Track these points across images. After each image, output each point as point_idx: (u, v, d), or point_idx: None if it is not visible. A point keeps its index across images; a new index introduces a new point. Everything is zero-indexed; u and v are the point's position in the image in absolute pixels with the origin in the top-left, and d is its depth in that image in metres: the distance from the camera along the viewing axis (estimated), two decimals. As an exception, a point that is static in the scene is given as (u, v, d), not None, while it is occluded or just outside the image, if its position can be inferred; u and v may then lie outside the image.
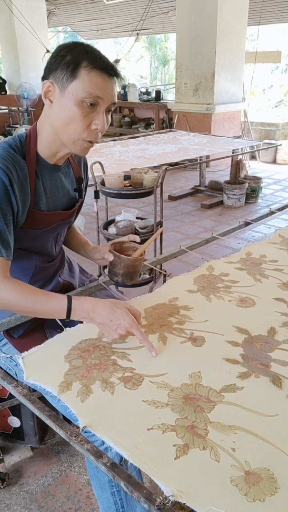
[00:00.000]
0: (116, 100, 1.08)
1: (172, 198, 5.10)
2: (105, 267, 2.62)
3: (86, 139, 1.06)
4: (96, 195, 2.55)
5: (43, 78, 1.05)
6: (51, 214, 1.18)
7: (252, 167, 6.62)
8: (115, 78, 1.04)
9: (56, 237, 1.27)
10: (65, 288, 1.33)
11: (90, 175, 2.55)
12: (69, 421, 0.87)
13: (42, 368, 0.95)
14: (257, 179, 4.92)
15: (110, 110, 1.08)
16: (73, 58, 1.00)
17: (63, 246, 1.40)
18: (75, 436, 0.78)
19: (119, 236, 2.42)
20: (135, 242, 1.28)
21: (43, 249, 1.23)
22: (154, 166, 3.15)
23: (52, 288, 1.28)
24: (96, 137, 1.07)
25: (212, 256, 3.26)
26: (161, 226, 2.61)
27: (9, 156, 1.05)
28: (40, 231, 1.17)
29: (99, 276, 2.58)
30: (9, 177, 1.03)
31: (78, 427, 0.79)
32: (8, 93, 8.85)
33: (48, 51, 7.99)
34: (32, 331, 1.20)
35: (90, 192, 2.58)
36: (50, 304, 1.02)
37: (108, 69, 1.01)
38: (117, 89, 1.08)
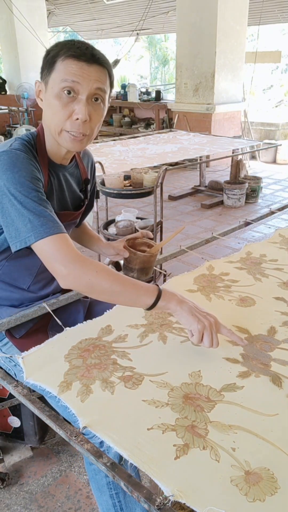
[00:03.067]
0: (104, 86, 1.01)
1: (172, 198, 5.10)
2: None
3: (69, 131, 1.02)
4: (96, 195, 2.55)
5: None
6: (61, 214, 1.18)
7: (252, 167, 6.62)
8: (99, 66, 0.99)
9: None
10: (67, 289, 1.33)
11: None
12: (68, 423, 0.87)
13: (42, 368, 0.95)
14: (257, 179, 4.92)
15: (100, 99, 1.02)
16: (53, 55, 1.00)
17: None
18: (75, 436, 0.78)
19: (119, 236, 2.42)
20: (148, 237, 1.32)
21: None
22: (154, 166, 3.15)
23: (54, 288, 1.28)
24: (78, 128, 1.02)
25: (212, 256, 3.26)
26: (160, 226, 2.61)
27: (27, 149, 1.05)
28: None
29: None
30: (35, 165, 1.03)
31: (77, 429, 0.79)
32: (8, 93, 8.85)
33: (48, 51, 7.99)
34: (35, 332, 1.20)
35: (90, 192, 2.58)
36: (142, 291, 0.97)
37: (86, 56, 0.97)
38: (104, 76, 1.01)
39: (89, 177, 1.30)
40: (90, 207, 1.39)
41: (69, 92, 0.98)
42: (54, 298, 1.23)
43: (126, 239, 1.30)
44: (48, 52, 1.02)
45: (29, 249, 1.17)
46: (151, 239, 1.34)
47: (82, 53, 0.98)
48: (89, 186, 1.31)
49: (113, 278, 0.96)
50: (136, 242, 1.32)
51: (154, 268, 1.54)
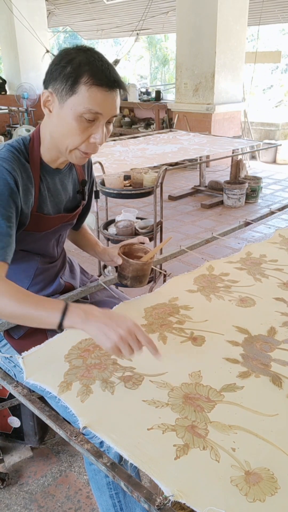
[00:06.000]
0: (118, 112, 1.05)
1: (172, 198, 5.10)
2: (105, 266, 2.62)
3: (83, 151, 1.05)
4: (96, 195, 2.55)
5: (44, 83, 1.04)
6: (54, 217, 1.18)
7: (252, 167, 6.62)
8: (118, 89, 1.01)
9: (58, 239, 1.27)
10: (66, 290, 1.32)
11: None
12: (68, 423, 0.87)
13: (42, 368, 0.95)
14: (257, 179, 4.92)
15: (111, 122, 1.06)
16: (73, 71, 0.96)
17: (64, 247, 1.40)
18: (75, 436, 0.78)
19: (119, 236, 2.42)
20: (144, 243, 1.28)
21: (45, 251, 1.23)
22: (154, 166, 3.15)
23: (53, 290, 1.28)
24: (93, 150, 1.05)
25: (212, 256, 3.26)
26: (160, 226, 2.61)
27: (13, 158, 1.04)
28: (43, 233, 1.17)
29: (99, 276, 2.58)
30: (15, 179, 1.02)
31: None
32: (8, 93, 8.86)
33: (48, 51, 8.00)
34: (33, 332, 1.20)
35: (90, 192, 2.58)
36: (43, 309, 0.93)
37: (110, 84, 0.98)
38: (119, 100, 1.04)
39: (86, 178, 1.30)
40: (88, 207, 1.39)
41: (90, 120, 1.00)
42: (53, 298, 1.23)
43: (121, 245, 1.27)
44: (66, 64, 0.97)
45: (25, 252, 1.17)
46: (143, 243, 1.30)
47: (107, 79, 0.97)
48: (86, 187, 1.30)
49: (13, 300, 0.93)
50: (133, 248, 1.28)
51: (154, 268, 1.54)
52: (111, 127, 1.07)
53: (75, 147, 1.04)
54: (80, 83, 0.96)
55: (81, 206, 1.29)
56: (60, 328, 0.92)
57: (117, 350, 0.88)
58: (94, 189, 2.50)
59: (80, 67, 0.96)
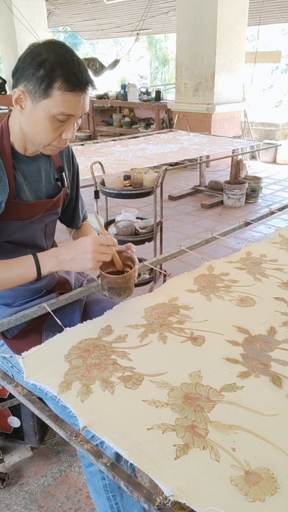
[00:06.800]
0: (88, 108, 1.10)
1: (172, 198, 5.10)
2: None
3: (56, 146, 1.10)
4: (96, 195, 2.55)
5: (13, 78, 1.04)
6: (34, 203, 1.19)
7: (252, 167, 6.62)
8: (88, 88, 1.05)
9: (44, 229, 1.27)
10: (61, 284, 1.32)
11: (90, 175, 2.55)
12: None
13: (42, 368, 0.95)
14: (257, 179, 4.92)
15: (81, 117, 1.10)
16: (46, 75, 0.98)
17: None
18: (75, 436, 0.78)
19: (119, 236, 2.42)
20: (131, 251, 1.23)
21: (33, 242, 1.23)
22: (154, 166, 3.15)
23: (47, 282, 1.28)
24: (65, 144, 1.12)
25: (212, 256, 3.26)
26: (160, 226, 2.61)
27: None
28: (26, 222, 1.17)
29: (98, 276, 2.58)
30: None
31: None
32: (8, 93, 8.85)
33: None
34: (28, 332, 1.20)
35: (90, 192, 2.58)
36: (17, 266, 1.07)
37: (82, 87, 1.02)
38: (88, 97, 1.08)
39: (64, 165, 1.30)
40: (77, 199, 1.39)
41: (62, 120, 1.05)
42: (53, 298, 1.23)
43: None
44: (38, 66, 0.98)
45: (12, 244, 1.18)
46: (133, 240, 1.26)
47: (79, 82, 1.00)
48: (65, 174, 1.30)
49: None
50: (121, 256, 1.21)
51: (154, 268, 1.53)
52: (80, 121, 1.12)
53: (48, 144, 1.09)
54: (53, 88, 0.99)
55: (62, 192, 1.29)
56: (40, 278, 1.09)
57: (98, 264, 1.08)
58: (94, 189, 2.51)
59: (53, 70, 0.98)
